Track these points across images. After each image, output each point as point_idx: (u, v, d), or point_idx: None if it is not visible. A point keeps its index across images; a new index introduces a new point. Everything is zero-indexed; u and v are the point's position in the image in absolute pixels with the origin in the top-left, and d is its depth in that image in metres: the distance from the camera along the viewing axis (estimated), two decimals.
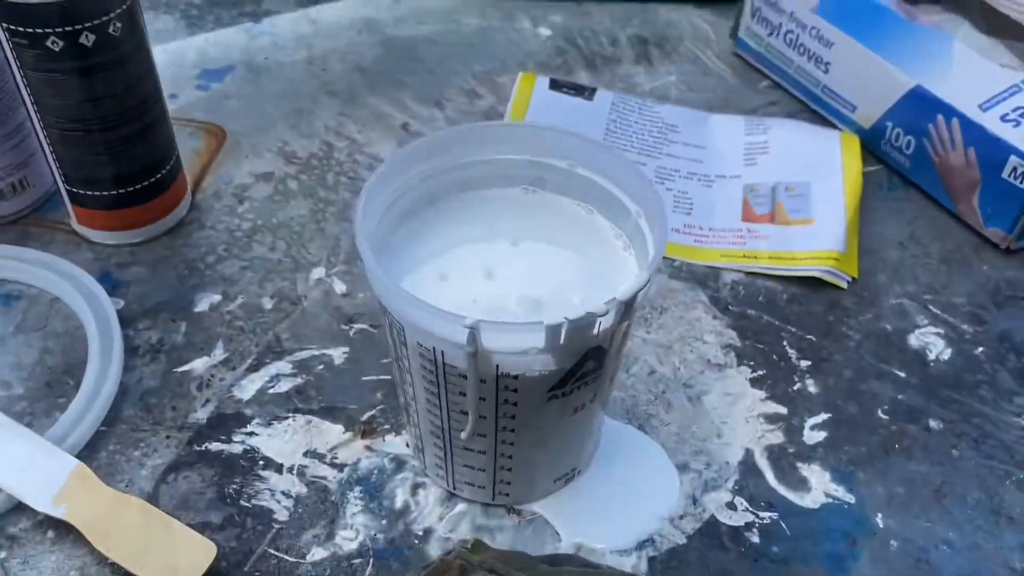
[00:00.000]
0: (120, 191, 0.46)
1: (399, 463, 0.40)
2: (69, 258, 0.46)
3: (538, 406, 0.33)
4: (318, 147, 0.54)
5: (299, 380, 0.43)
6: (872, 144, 0.55)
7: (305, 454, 0.40)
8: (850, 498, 0.39)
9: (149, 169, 0.46)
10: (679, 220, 0.50)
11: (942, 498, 0.40)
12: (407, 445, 0.40)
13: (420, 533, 0.38)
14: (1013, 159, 0.47)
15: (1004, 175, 0.48)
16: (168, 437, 0.40)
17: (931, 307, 0.47)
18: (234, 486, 0.39)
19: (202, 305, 0.46)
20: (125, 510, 0.37)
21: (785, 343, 0.45)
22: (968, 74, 0.51)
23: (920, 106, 0.51)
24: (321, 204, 0.51)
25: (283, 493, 0.39)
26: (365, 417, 0.41)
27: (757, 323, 0.46)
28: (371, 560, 0.37)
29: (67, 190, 0.46)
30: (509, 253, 0.36)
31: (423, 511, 0.38)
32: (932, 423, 0.42)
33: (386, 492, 0.39)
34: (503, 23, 0.64)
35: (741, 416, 0.42)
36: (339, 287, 0.47)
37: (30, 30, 0.40)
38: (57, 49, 0.40)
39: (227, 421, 0.41)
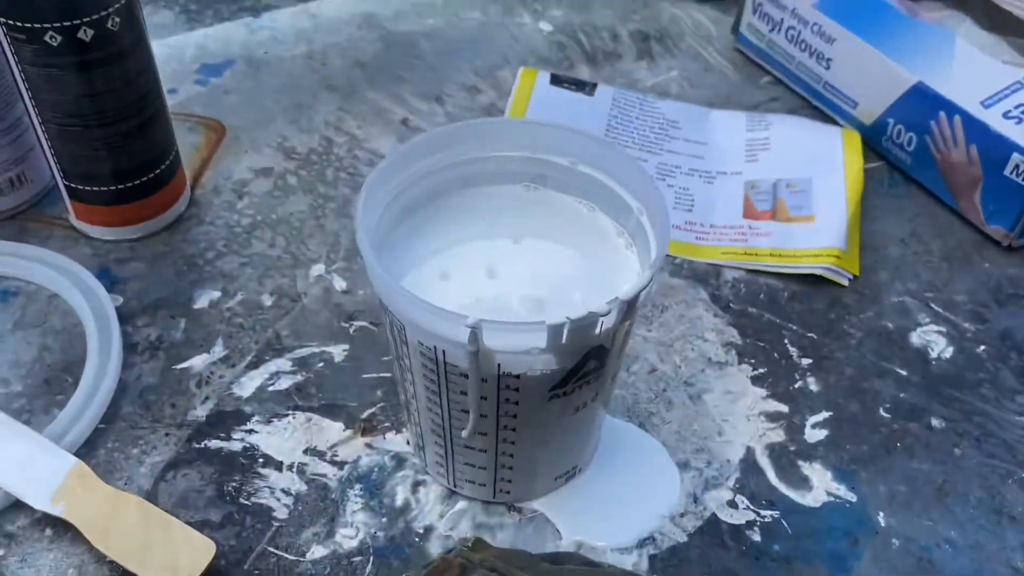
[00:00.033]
0: (119, 186, 0.46)
1: (399, 461, 0.40)
2: (67, 254, 0.46)
3: (539, 405, 0.33)
4: (318, 142, 0.54)
5: (299, 377, 0.43)
6: (873, 141, 0.54)
7: (305, 452, 0.40)
8: (852, 497, 0.39)
9: (148, 164, 0.46)
10: (680, 217, 0.50)
11: (944, 497, 0.40)
12: (407, 443, 0.40)
13: (421, 531, 0.38)
14: (1015, 156, 0.47)
15: (1006, 172, 0.48)
16: (167, 435, 0.40)
17: (933, 305, 0.47)
18: (233, 484, 0.39)
19: (201, 302, 0.45)
20: (124, 508, 0.36)
21: (786, 341, 0.45)
22: (970, 71, 0.51)
23: (922, 103, 0.51)
24: (321, 200, 0.51)
25: (283, 491, 0.39)
26: (365, 415, 0.41)
27: (758, 321, 0.46)
28: (371, 558, 0.37)
29: (65, 185, 0.46)
30: (510, 251, 0.36)
31: (424, 509, 0.38)
32: (934, 422, 0.42)
33: (386, 490, 0.39)
34: (504, 18, 0.64)
35: (742, 414, 0.42)
36: (339, 284, 0.47)
37: (28, 24, 0.39)
38: (55, 44, 0.40)
39: (227, 418, 0.41)
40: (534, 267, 0.35)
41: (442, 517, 0.38)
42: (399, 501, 0.39)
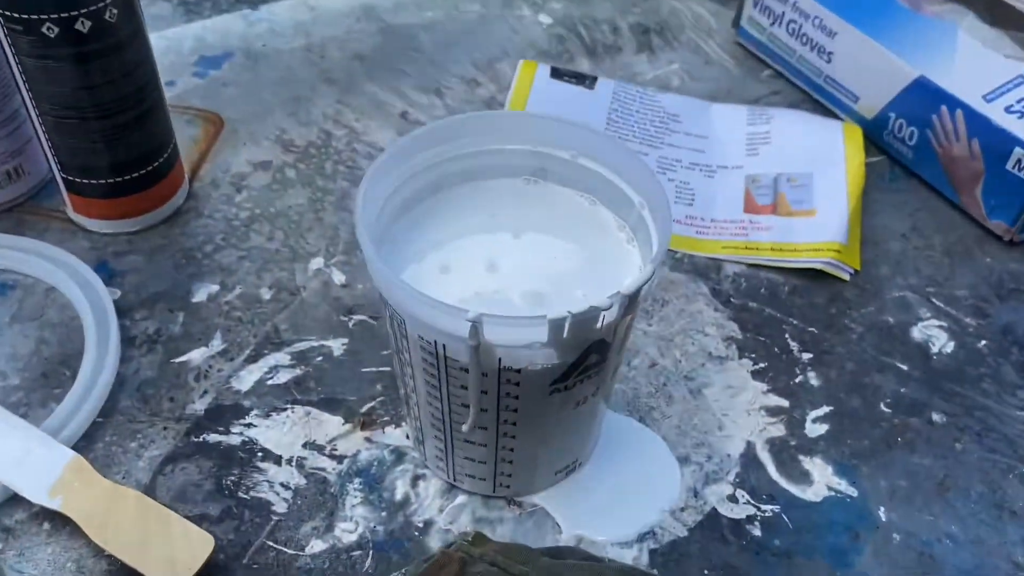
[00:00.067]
0: (117, 179, 0.45)
1: (399, 455, 0.40)
2: (65, 247, 0.46)
3: (540, 399, 0.33)
4: (316, 135, 0.54)
5: (298, 371, 0.42)
6: (875, 135, 0.54)
7: (304, 446, 0.40)
8: (852, 491, 0.39)
9: (146, 157, 0.46)
10: (681, 211, 0.50)
11: (945, 492, 0.40)
12: (407, 437, 0.40)
13: (420, 525, 0.38)
14: (1017, 151, 0.47)
15: (1008, 167, 0.48)
16: (165, 428, 0.40)
17: (934, 300, 0.47)
18: (232, 478, 0.39)
19: (200, 295, 0.45)
20: (122, 502, 0.36)
21: (787, 335, 0.45)
22: (972, 65, 0.51)
23: (924, 97, 0.51)
24: (319, 193, 0.51)
25: (282, 485, 0.39)
26: (365, 409, 0.41)
27: (759, 315, 0.46)
28: (371, 552, 0.37)
29: (63, 178, 0.46)
30: (511, 245, 0.36)
31: (423, 503, 0.38)
32: (935, 416, 0.42)
33: (386, 484, 0.39)
34: (503, 10, 0.63)
35: (742, 409, 0.42)
36: (338, 278, 0.46)
37: (25, 16, 0.39)
38: (52, 35, 0.40)
39: (225, 412, 0.41)
40: (535, 261, 0.35)
41: (442, 511, 0.38)
42: (399, 495, 0.38)
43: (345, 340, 0.44)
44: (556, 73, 0.56)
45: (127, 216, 0.47)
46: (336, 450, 0.40)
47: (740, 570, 0.37)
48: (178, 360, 0.43)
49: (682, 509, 0.38)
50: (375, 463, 0.39)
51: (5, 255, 0.45)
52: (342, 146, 0.53)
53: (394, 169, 0.35)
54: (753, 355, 0.44)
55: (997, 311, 0.47)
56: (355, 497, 0.38)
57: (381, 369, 0.43)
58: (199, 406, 0.41)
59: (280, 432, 0.40)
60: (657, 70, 0.59)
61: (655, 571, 0.36)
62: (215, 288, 0.45)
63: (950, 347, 0.45)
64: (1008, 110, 0.48)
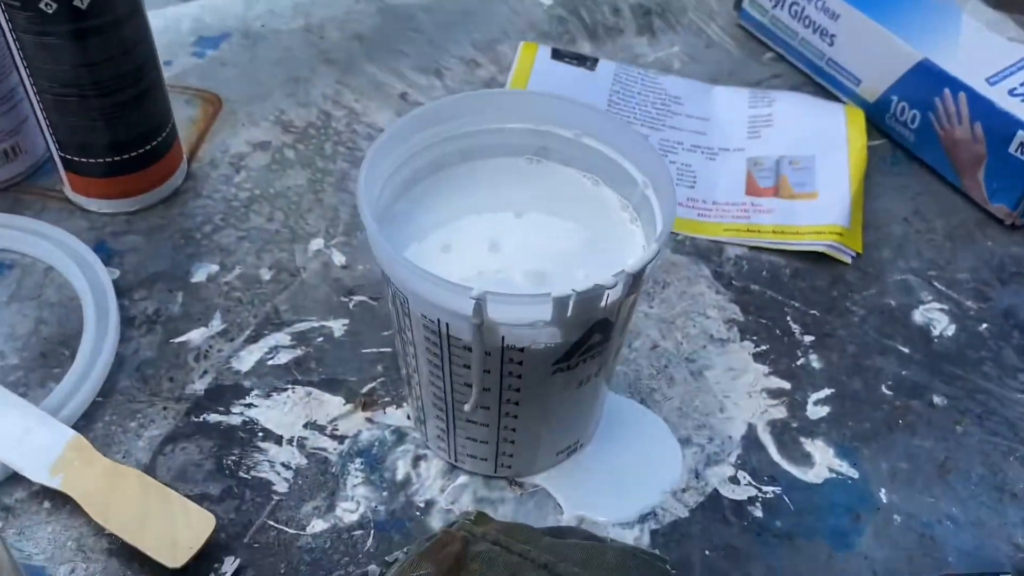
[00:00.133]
0: (115, 158, 0.45)
1: (400, 435, 0.40)
2: (63, 226, 0.45)
3: (543, 379, 0.33)
4: (316, 116, 0.53)
5: (298, 352, 0.42)
6: (876, 118, 0.54)
7: (305, 426, 0.40)
8: (854, 473, 0.39)
9: (145, 136, 0.45)
10: (682, 193, 0.50)
11: (946, 474, 0.40)
12: (408, 417, 0.40)
13: (421, 505, 0.37)
14: (1020, 133, 0.47)
15: (1010, 150, 0.48)
16: (165, 408, 0.40)
17: (935, 283, 0.47)
18: (233, 457, 0.38)
19: (199, 275, 0.45)
20: (123, 481, 0.36)
21: (788, 318, 0.45)
22: (975, 48, 0.50)
23: (926, 79, 0.50)
24: (319, 174, 0.50)
25: (283, 465, 0.38)
26: (365, 389, 0.41)
27: (760, 298, 0.46)
28: (372, 532, 0.37)
29: (61, 157, 0.45)
30: (513, 225, 0.36)
31: (424, 483, 0.38)
32: (936, 399, 0.42)
33: (387, 464, 0.39)
34: None
35: (744, 391, 0.42)
36: (338, 259, 0.46)
37: None
38: (50, 11, 0.39)
39: (225, 392, 0.41)
40: (537, 241, 0.35)
41: (443, 491, 0.38)
42: (400, 475, 0.38)
43: (345, 321, 0.43)
44: (557, 54, 0.56)
45: (126, 195, 0.47)
46: (337, 430, 0.40)
47: (741, 551, 0.37)
48: (178, 340, 0.42)
49: (683, 490, 0.38)
50: (376, 443, 0.39)
51: (3, 234, 0.45)
52: (342, 127, 0.53)
53: (396, 147, 0.35)
54: (755, 337, 0.44)
55: (998, 294, 0.47)
56: (356, 477, 0.38)
57: (382, 350, 0.42)
58: (199, 386, 0.41)
59: (281, 412, 0.40)
60: (658, 52, 0.59)
61: (656, 551, 0.36)
62: (215, 268, 0.45)
63: (951, 330, 0.45)
64: (1011, 93, 0.48)
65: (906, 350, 0.44)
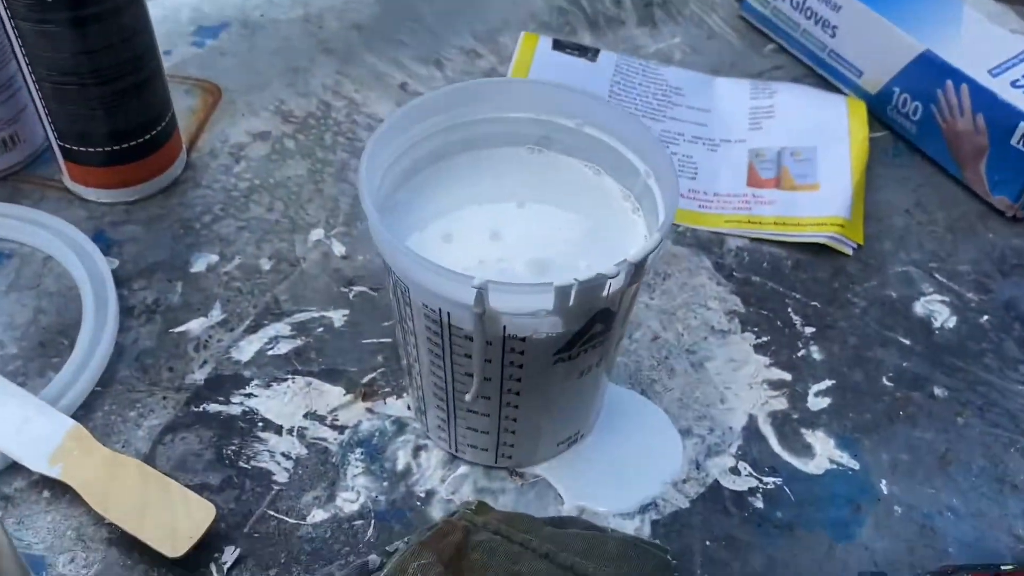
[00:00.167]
0: (115, 147, 0.45)
1: (400, 425, 0.39)
2: (62, 216, 0.45)
3: (544, 369, 0.33)
4: (315, 106, 0.53)
5: (298, 342, 0.42)
6: (878, 110, 0.54)
7: (305, 416, 0.40)
8: (854, 464, 0.39)
9: (144, 125, 0.45)
10: (684, 185, 0.50)
11: (947, 465, 0.40)
12: (408, 407, 0.40)
13: (422, 495, 0.37)
14: (1022, 125, 0.47)
15: (1013, 142, 0.48)
16: (165, 398, 0.40)
17: (936, 275, 0.47)
18: (232, 447, 0.38)
19: (198, 265, 0.45)
20: (122, 470, 0.36)
21: (789, 309, 0.45)
22: (978, 39, 0.50)
23: (928, 71, 0.50)
24: (319, 164, 0.50)
25: (283, 454, 0.38)
26: (366, 379, 0.41)
27: (761, 289, 0.46)
28: (372, 522, 0.37)
29: (60, 146, 0.45)
30: (515, 214, 0.35)
31: (425, 473, 0.38)
32: (937, 391, 0.42)
33: (387, 454, 0.39)
34: None
35: (745, 382, 0.42)
36: (338, 249, 0.46)
37: None
38: None
39: (225, 382, 0.40)
40: (538, 231, 0.35)
41: (443, 481, 0.38)
42: (400, 465, 0.38)
43: (346, 311, 0.43)
44: (558, 45, 0.56)
45: (125, 185, 0.46)
46: (337, 420, 0.39)
47: (742, 541, 0.37)
48: (177, 330, 0.42)
49: (684, 481, 0.38)
50: (376, 433, 0.39)
51: (2, 224, 0.45)
52: (341, 117, 0.53)
53: (396, 137, 0.35)
54: (756, 329, 0.44)
55: (999, 286, 0.47)
56: (356, 467, 0.38)
57: (382, 340, 0.42)
58: (199, 376, 0.41)
59: (281, 402, 0.40)
60: (660, 43, 0.59)
61: (657, 541, 0.36)
62: (214, 258, 0.45)
63: (952, 322, 0.45)
64: (1014, 84, 0.48)
65: (907, 342, 0.44)
